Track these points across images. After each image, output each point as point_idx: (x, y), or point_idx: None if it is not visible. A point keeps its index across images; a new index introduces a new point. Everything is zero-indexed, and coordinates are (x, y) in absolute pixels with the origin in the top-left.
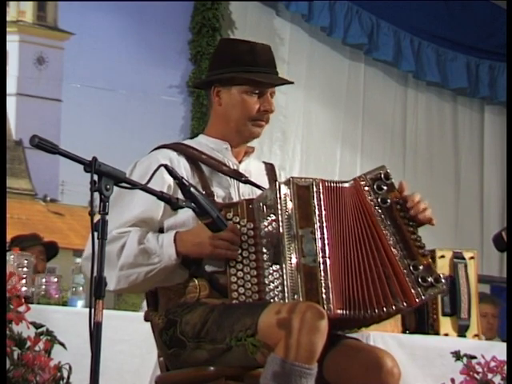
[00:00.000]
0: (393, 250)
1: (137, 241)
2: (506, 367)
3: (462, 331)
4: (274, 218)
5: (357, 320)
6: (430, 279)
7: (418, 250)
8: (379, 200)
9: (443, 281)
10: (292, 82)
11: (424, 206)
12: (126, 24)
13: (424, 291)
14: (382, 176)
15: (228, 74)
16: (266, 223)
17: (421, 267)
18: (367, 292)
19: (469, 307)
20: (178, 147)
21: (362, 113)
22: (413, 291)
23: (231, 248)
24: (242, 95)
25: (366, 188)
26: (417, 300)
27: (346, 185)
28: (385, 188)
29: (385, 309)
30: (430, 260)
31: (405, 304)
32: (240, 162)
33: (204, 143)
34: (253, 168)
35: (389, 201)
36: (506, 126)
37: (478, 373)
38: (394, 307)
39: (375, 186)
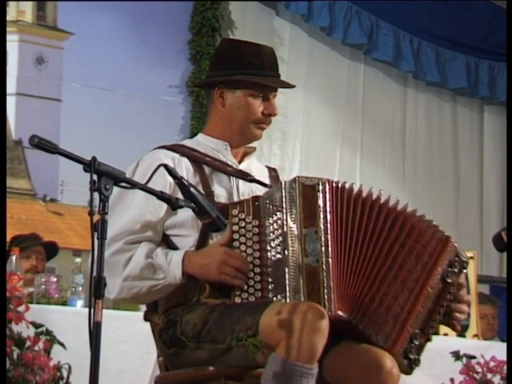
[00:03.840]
0: (421, 306)
1: (145, 254)
2: (505, 367)
3: (461, 331)
4: (279, 216)
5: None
6: (412, 357)
7: (430, 331)
8: (446, 273)
9: (412, 370)
10: (294, 86)
11: (466, 310)
12: (125, 24)
13: (400, 357)
14: (463, 261)
15: (236, 77)
16: (271, 221)
17: (417, 343)
18: (371, 303)
19: (468, 307)
20: (179, 149)
21: (361, 113)
22: (400, 348)
23: (238, 276)
24: (248, 98)
25: (448, 257)
26: (394, 353)
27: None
28: (456, 270)
29: (373, 333)
30: (425, 344)
31: (387, 344)
32: (240, 162)
33: (204, 143)
34: (254, 168)
35: (450, 280)
36: (505, 126)
37: (477, 373)
38: (380, 338)
39: (452, 262)
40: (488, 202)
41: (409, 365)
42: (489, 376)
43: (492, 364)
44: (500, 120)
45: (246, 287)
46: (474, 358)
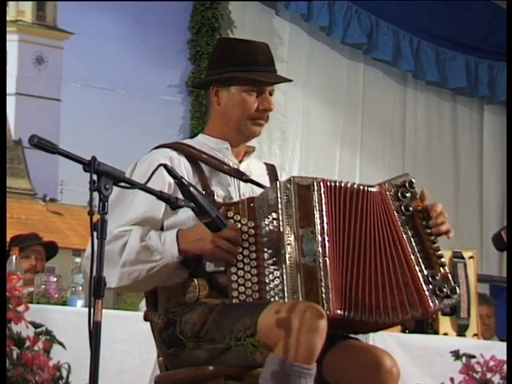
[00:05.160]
0: (412, 258)
1: (139, 238)
2: (505, 366)
3: (461, 331)
4: (274, 216)
5: (358, 323)
6: (446, 290)
7: (437, 260)
8: (402, 207)
9: (458, 292)
10: (291, 80)
11: (443, 220)
12: (125, 24)
13: (440, 301)
14: (407, 184)
15: (228, 74)
16: (266, 222)
17: (438, 277)
18: (375, 297)
19: (468, 307)
20: (178, 146)
21: (361, 112)
22: (429, 301)
23: (231, 249)
24: (242, 94)
25: (390, 194)
26: (432, 309)
27: (373, 189)
28: (408, 196)
29: (400, 316)
30: (447, 270)
31: (421, 312)
32: (240, 162)
33: (204, 143)
34: (254, 168)
35: (411, 209)
36: (505, 126)
37: (477, 372)
38: (409, 315)
39: (399, 193)
40: (488, 202)
41: (447, 297)
42: (488, 375)
43: (492, 363)
44: (500, 119)
45: (243, 289)
46: (474, 357)
